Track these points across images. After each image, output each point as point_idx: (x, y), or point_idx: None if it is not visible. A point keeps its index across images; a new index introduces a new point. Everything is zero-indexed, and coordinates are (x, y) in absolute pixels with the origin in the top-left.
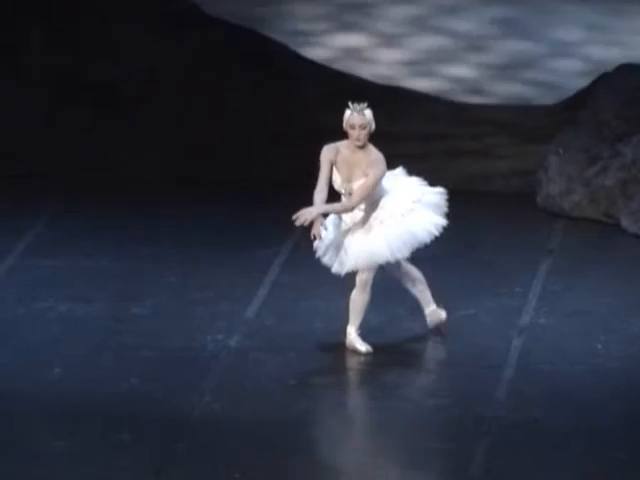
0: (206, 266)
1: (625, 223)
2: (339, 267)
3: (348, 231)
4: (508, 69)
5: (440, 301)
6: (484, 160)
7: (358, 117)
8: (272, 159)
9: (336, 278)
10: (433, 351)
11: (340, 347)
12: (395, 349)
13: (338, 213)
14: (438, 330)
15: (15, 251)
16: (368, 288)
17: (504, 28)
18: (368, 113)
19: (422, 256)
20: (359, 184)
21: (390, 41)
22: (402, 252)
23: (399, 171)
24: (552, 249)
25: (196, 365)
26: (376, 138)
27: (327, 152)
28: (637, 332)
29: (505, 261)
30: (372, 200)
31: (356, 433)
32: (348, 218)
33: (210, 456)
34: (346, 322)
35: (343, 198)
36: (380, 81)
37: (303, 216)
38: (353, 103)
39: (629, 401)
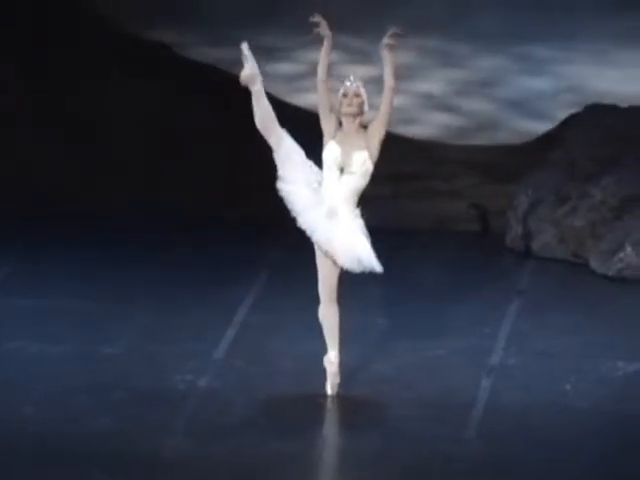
0: (176, 306)
1: (594, 264)
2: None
3: (331, 212)
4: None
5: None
6: (455, 200)
7: (353, 87)
8: (243, 197)
9: (305, 318)
10: (403, 391)
11: (310, 387)
12: (365, 390)
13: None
14: None
15: None
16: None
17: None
18: (363, 90)
19: (390, 296)
20: (362, 155)
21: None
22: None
23: None
24: (521, 289)
25: (166, 405)
26: None
27: (335, 116)
28: (606, 372)
29: (475, 301)
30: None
31: (325, 474)
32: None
33: None
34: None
35: (334, 175)
36: None
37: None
38: (348, 77)
39: (599, 441)
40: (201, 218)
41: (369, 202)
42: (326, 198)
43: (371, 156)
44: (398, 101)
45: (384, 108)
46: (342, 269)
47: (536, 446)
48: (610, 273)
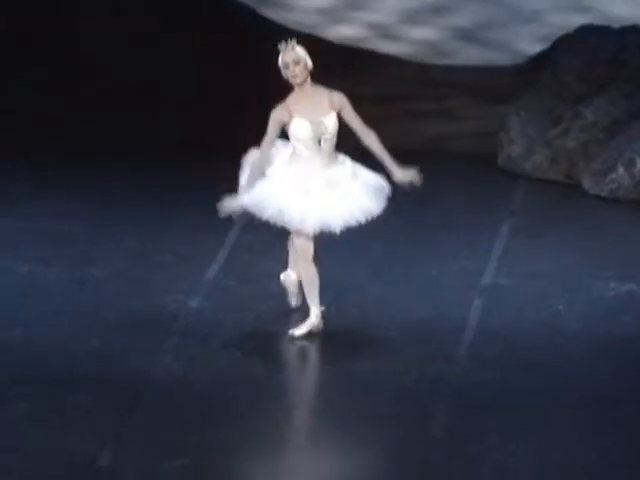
0: (165, 228)
1: (586, 184)
2: (336, 223)
3: (308, 188)
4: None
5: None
6: (445, 121)
7: (289, 54)
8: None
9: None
10: (394, 312)
11: (299, 309)
12: (356, 311)
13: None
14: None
15: None
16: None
17: None
18: (299, 49)
19: (382, 218)
20: (331, 117)
21: (356, 3)
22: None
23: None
24: (513, 210)
25: (156, 326)
26: None
27: (278, 113)
28: (597, 293)
29: (467, 222)
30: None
31: (315, 396)
32: (308, 174)
33: (168, 418)
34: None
35: (313, 147)
36: (345, 43)
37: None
38: (281, 42)
39: (589, 361)
40: (192, 141)
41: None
42: (309, 171)
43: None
44: (374, 17)
45: (354, 124)
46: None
47: (526, 366)
48: (603, 194)
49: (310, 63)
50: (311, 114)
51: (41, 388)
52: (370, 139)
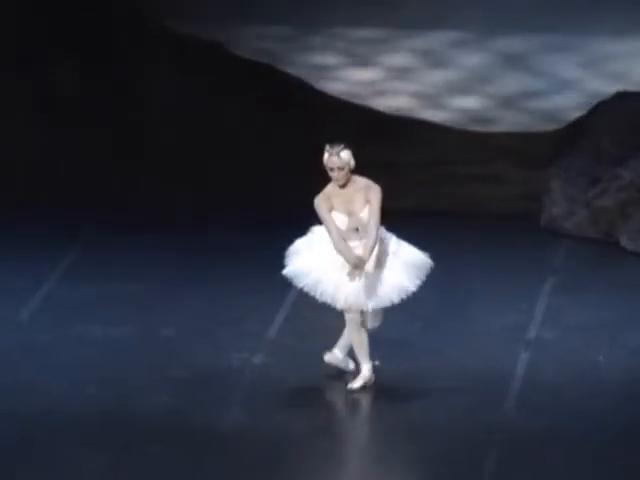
0: (229, 288)
1: (624, 242)
2: (369, 303)
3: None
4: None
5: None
6: (490, 185)
7: (335, 160)
8: (289, 186)
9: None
10: (446, 364)
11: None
12: (410, 363)
13: (374, 244)
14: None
15: (50, 279)
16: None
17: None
18: (344, 154)
19: (434, 275)
20: (367, 210)
21: (403, 75)
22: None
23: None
24: (556, 268)
25: (223, 382)
26: (381, 165)
27: (322, 202)
28: (636, 345)
29: (512, 280)
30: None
31: (372, 445)
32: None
33: (236, 469)
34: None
35: (353, 236)
36: (390, 112)
37: (359, 271)
38: (330, 146)
39: (630, 410)
40: (252, 206)
41: (407, 187)
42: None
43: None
44: (419, 87)
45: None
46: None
47: (571, 415)
48: None
49: (353, 164)
50: (348, 208)
51: (117, 443)
52: (367, 238)
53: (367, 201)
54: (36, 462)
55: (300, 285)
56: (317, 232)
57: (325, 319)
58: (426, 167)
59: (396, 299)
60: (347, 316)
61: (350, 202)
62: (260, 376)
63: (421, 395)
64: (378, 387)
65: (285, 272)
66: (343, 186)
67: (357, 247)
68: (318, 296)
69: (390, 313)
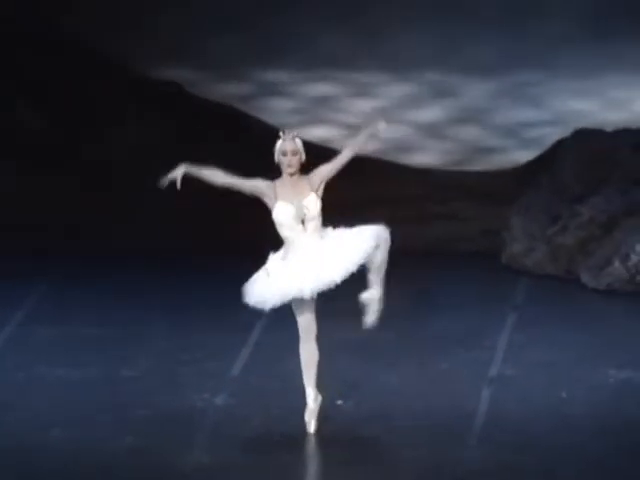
0: (192, 328)
1: (585, 278)
2: (333, 275)
3: (301, 257)
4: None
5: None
6: (451, 223)
7: (289, 143)
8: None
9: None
10: (409, 402)
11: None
12: (373, 402)
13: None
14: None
15: (12, 322)
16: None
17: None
18: (298, 141)
19: (393, 312)
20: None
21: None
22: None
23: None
24: (517, 305)
25: (187, 422)
26: (348, 205)
27: (264, 182)
28: (599, 381)
29: (473, 316)
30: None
31: (337, 477)
32: (298, 249)
33: None
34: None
35: (298, 227)
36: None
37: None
38: (284, 132)
39: (593, 445)
40: (215, 246)
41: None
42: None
43: (318, 195)
44: (398, 132)
45: (339, 161)
46: (311, 312)
47: (535, 451)
48: (600, 287)
49: (304, 157)
50: (292, 196)
51: None
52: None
53: (311, 186)
54: None
55: (266, 307)
56: (270, 259)
57: (287, 358)
58: (387, 204)
59: (357, 260)
60: (300, 325)
61: (296, 193)
62: (224, 416)
63: (386, 433)
64: (342, 426)
65: (247, 302)
66: (293, 174)
67: (302, 238)
68: (286, 301)
69: (351, 351)
